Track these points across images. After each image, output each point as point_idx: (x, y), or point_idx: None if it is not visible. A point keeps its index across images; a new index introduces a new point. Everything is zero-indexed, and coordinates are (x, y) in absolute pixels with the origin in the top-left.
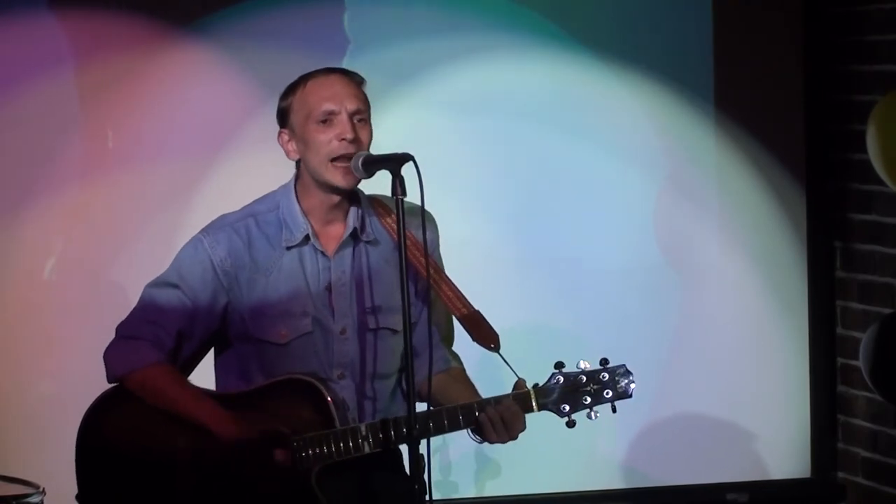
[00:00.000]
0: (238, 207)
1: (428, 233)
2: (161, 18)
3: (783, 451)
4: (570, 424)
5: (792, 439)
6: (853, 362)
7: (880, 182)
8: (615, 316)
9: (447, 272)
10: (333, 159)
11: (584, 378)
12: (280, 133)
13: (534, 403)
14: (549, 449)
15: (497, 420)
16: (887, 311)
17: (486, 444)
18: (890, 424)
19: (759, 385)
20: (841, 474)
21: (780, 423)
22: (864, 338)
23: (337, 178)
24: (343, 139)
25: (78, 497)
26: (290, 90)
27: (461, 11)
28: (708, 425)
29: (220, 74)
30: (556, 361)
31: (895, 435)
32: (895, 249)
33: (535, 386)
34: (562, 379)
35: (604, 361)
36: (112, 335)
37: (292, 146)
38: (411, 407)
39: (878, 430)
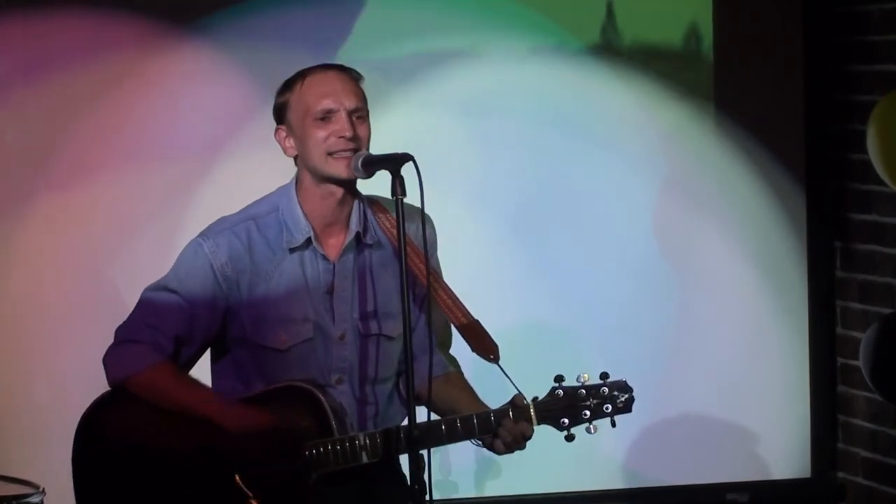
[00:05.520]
0: (238, 208)
1: (426, 235)
2: (161, 18)
3: (783, 451)
4: (569, 438)
5: (792, 439)
6: (853, 362)
7: (880, 182)
8: (615, 316)
9: (446, 274)
10: (331, 153)
11: (584, 392)
12: (277, 130)
13: (533, 417)
14: (549, 449)
15: (510, 441)
16: (887, 311)
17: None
18: (890, 424)
19: (759, 385)
20: (841, 474)
21: (780, 424)
22: (864, 338)
23: (339, 169)
24: (342, 136)
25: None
26: (287, 86)
27: (461, 11)
28: (708, 425)
29: (220, 74)
30: (555, 375)
31: (895, 435)
32: (895, 249)
33: (535, 399)
34: (562, 393)
35: (604, 375)
36: (112, 336)
37: (290, 143)
38: (411, 412)
39: (878, 430)
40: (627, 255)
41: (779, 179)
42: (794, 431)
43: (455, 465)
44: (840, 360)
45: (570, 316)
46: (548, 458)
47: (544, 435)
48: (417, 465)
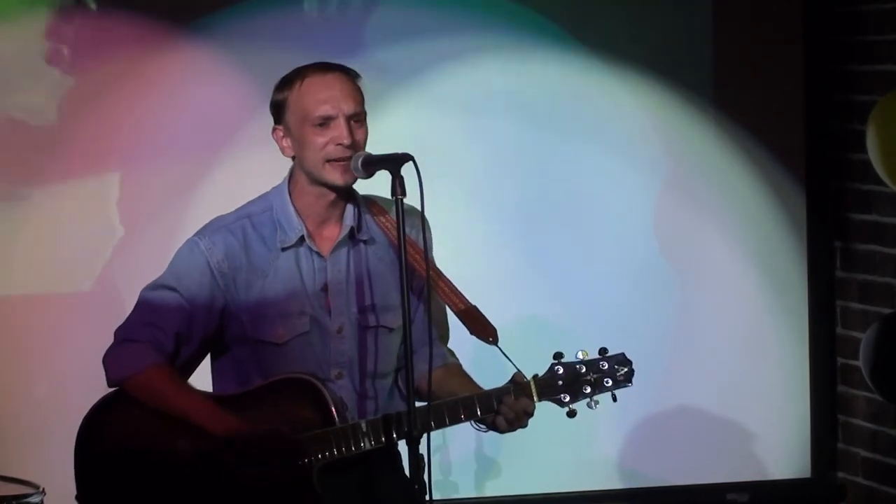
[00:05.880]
0: (238, 207)
1: (421, 232)
2: (161, 18)
3: (783, 451)
4: (571, 414)
5: (792, 439)
6: (853, 362)
7: (880, 182)
8: (614, 315)
9: (445, 273)
10: (329, 160)
11: (584, 367)
12: (275, 129)
13: (534, 394)
14: (549, 449)
15: (513, 418)
16: (887, 311)
17: (485, 442)
18: (890, 424)
19: (759, 385)
20: (841, 474)
21: (780, 423)
22: (864, 338)
23: (335, 176)
24: (340, 144)
25: (77, 499)
26: (286, 84)
27: (461, 11)
28: (708, 425)
29: (220, 74)
30: (555, 352)
31: (895, 435)
32: (895, 249)
33: (535, 376)
34: (561, 369)
35: (602, 351)
36: (112, 336)
37: (287, 143)
38: (411, 405)
39: (878, 430)
40: (627, 255)
41: (779, 179)
42: (794, 431)
43: (455, 465)
44: (840, 360)
45: (570, 315)
46: (548, 458)
47: (543, 435)
48: (417, 465)
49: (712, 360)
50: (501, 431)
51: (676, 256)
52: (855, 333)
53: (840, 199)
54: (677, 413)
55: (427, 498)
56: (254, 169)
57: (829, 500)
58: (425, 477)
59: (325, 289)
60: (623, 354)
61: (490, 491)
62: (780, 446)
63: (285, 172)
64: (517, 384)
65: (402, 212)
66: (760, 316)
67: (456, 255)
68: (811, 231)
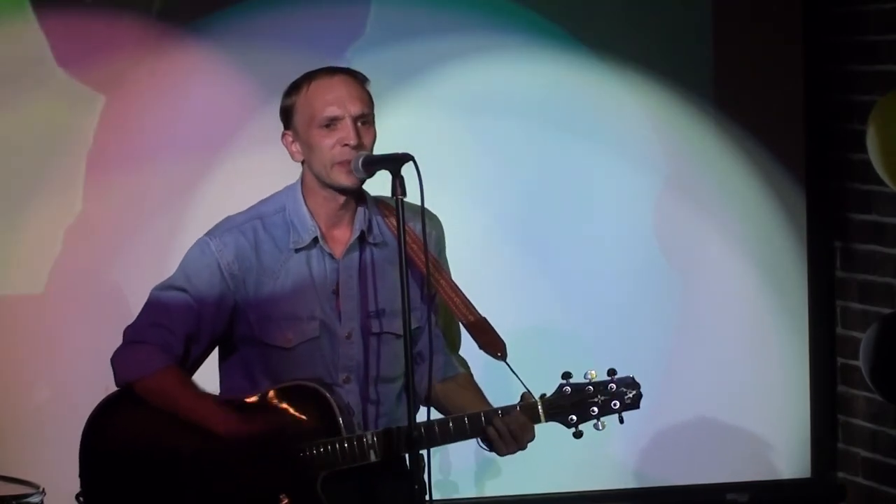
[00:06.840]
0: (239, 208)
1: (433, 233)
2: (161, 18)
3: (783, 451)
4: (577, 435)
5: (792, 439)
6: (853, 362)
7: (880, 182)
8: (614, 316)
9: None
10: (336, 162)
11: (592, 389)
12: (284, 134)
13: (541, 414)
14: (549, 449)
15: (505, 432)
16: (887, 311)
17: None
18: (890, 424)
19: (759, 385)
20: (841, 474)
21: (780, 423)
22: (864, 338)
23: (342, 178)
24: (346, 145)
25: (81, 497)
26: (294, 89)
27: (461, 11)
28: (708, 425)
29: (220, 74)
30: (563, 372)
31: (895, 435)
32: (895, 249)
33: (543, 396)
34: (569, 390)
35: (611, 372)
36: (113, 336)
37: (296, 147)
38: (411, 411)
39: (878, 430)
40: (627, 256)
41: (779, 179)
42: (794, 431)
43: (455, 465)
44: (840, 360)
45: (570, 316)
46: (548, 458)
47: (544, 435)
48: (417, 464)
49: (712, 360)
50: (500, 453)
51: (676, 257)
52: (855, 333)
53: (840, 199)
54: (677, 413)
55: (427, 498)
56: (253, 169)
57: (829, 500)
58: (425, 477)
59: (336, 291)
60: (632, 378)
61: (490, 491)
62: (780, 446)
63: (285, 172)
64: (524, 404)
65: (403, 212)
66: (760, 316)
67: (455, 257)
68: (811, 231)
